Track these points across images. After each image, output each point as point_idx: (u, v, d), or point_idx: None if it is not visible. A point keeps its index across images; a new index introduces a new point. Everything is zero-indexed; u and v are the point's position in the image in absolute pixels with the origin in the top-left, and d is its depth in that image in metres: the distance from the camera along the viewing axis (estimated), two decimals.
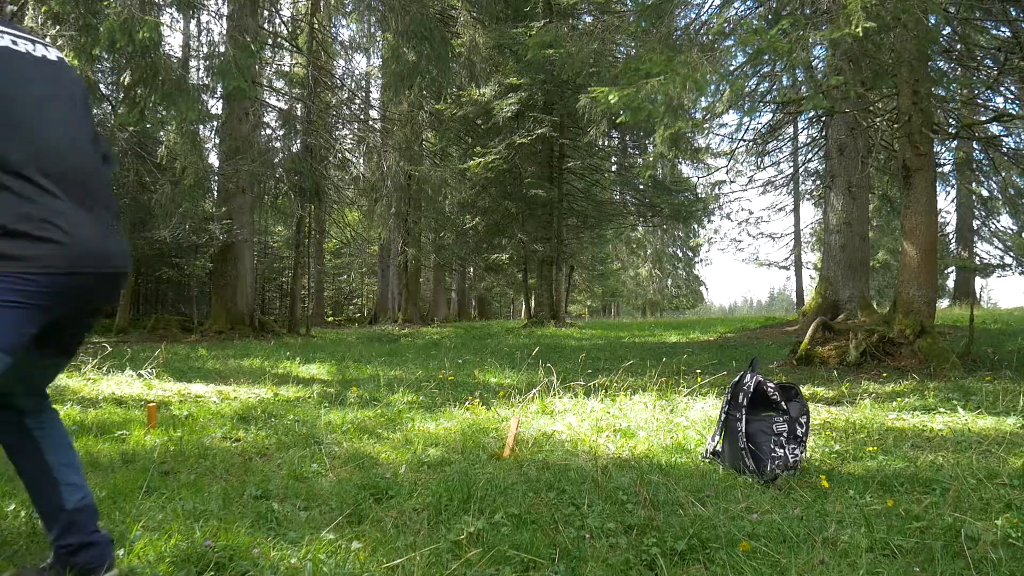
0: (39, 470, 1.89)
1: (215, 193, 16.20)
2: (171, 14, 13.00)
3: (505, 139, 17.80)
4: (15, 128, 1.68)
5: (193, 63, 15.01)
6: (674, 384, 5.28)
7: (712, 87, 6.63)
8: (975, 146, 13.10)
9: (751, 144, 16.65)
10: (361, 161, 19.08)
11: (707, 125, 11.69)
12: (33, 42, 1.84)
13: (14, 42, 1.78)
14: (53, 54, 1.89)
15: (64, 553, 1.84)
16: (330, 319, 29.20)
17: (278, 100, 19.37)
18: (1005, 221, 23.48)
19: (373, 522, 2.38)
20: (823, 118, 13.50)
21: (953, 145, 14.87)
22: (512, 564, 2.01)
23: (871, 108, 9.12)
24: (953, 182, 19.31)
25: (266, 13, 16.14)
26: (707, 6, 8.64)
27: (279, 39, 17.97)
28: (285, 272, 26.75)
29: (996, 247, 23.71)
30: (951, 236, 24.43)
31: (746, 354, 8.67)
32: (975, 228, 23.82)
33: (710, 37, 7.30)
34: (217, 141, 16.21)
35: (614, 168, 22.50)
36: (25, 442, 1.90)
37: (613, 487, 2.73)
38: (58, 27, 8.36)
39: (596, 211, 20.71)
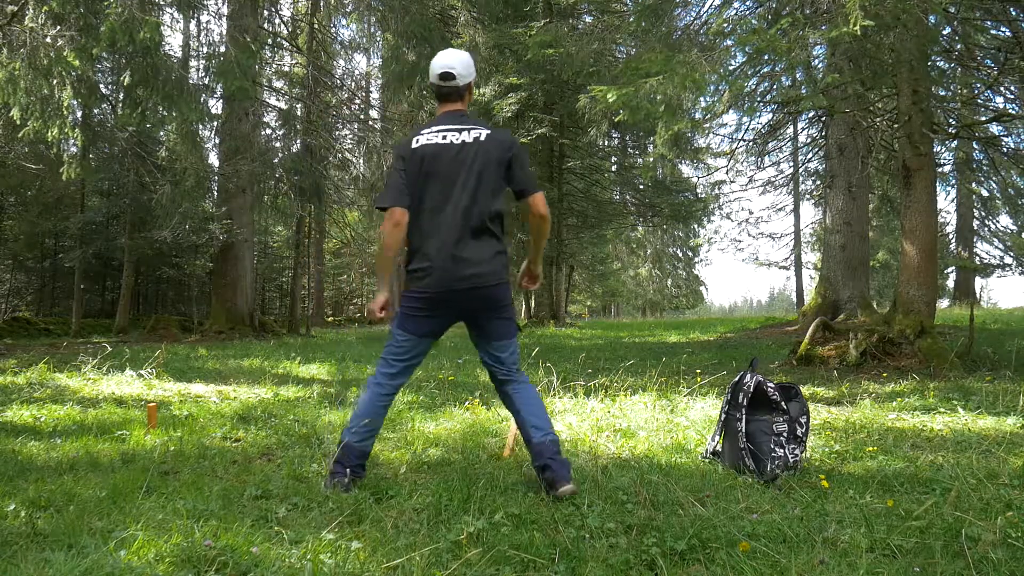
0: (516, 415, 2.92)
1: (215, 193, 16.20)
2: (171, 14, 12.99)
3: None
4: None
5: (193, 63, 15.00)
6: (674, 384, 5.27)
7: (712, 87, 6.64)
8: (975, 146, 13.10)
9: (751, 144, 16.63)
10: (361, 161, 19.07)
11: (707, 125, 11.70)
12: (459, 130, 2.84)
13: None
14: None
15: (537, 469, 2.76)
16: (330, 319, 29.21)
17: (278, 100, 19.38)
18: (1005, 221, 23.50)
19: (373, 522, 2.38)
20: (823, 118, 13.50)
21: (953, 145, 14.87)
22: (512, 564, 2.01)
23: (871, 108, 9.12)
24: (953, 182, 19.30)
25: (266, 13, 16.14)
26: (707, 6, 8.65)
27: (279, 39, 17.98)
28: (285, 272, 26.75)
29: (996, 247, 23.72)
30: (951, 236, 24.44)
31: (746, 354, 8.67)
32: (975, 228, 23.82)
33: (710, 37, 7.30)
34: (217, 141, 16.21)
35: (614, 168, 22.50)
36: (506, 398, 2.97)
37: (613, 487, 2.73)
38: (58, 27, 8.36)
39: (596, 211, 20.72)
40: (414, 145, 2.82)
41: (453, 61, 2.88)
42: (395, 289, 3.08)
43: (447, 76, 2.87)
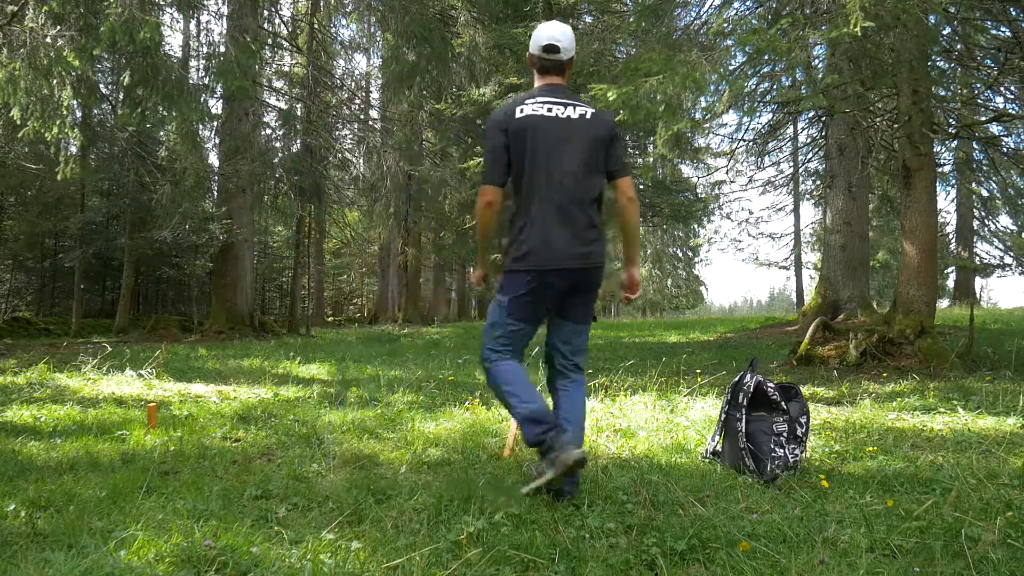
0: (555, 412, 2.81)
1: (215, 193, 16.21)
2: (171, 14, 13.00)
3: None
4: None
5: (193, 63, 15.00)
6: (674, 384, 5.28)
7: (712, 87, 6.64)
8: (975, 146, 13.10)
9: (751, 144, 16.65)
10: (361, 161, 19.09)
11: (707, 125, 11.71)
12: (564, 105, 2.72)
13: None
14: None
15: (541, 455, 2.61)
16: (330, 319, 29.21)
17: (278, 100, 19.38)
18: (1005, 221, 23.50)
19: (373, 522, 2.38)
20: (823, 118, 13.50)
21: (953, 145, 14.88)
22: (512, 564, 2.01)
23: (871, 108, 9.12)
24: (953, 182, 19.31)
25: (266, 13, 16.15)
26: (707, 6, 8.65)
27: (279, 39, 17.98)
28: (285, 272, 26.76)
29: (996, 247, 23.72)
30: (951, 236, 24.43)
31: (746, 354, 8.67)
32: (975, 228, 23.82)
33: (710, 37, 7.30)
34: (217, 141, 16.22)
35: None
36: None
37: (613, 487, 2.73)
38: (58, 27, 8.36)
39: None
40: (517, 115, 2.69)
41: (558, 34, 2.76)
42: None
43: (552, 49, 2.75)
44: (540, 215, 2.65)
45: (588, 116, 2.73)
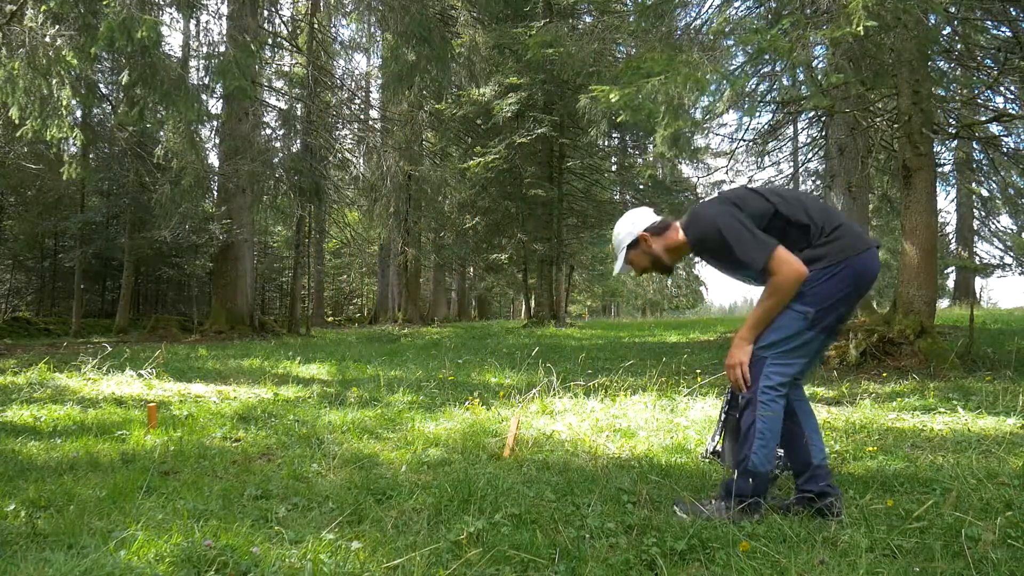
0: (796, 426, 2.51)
1: (215, 193, 16.22)
2: (171, 14, 12.99)
3: (505, 139, 17.81)
4: None
5: (193, 63, 15.01)
6: (674, 384, 5.27)
7: (712, 87, 6.64)
8: (975, 146, 13.09)
9: (751, 144, 16.63)
10: (361, 161, 19.09)
11: (707, 125, 11.70)
12: None
13: None
14: None
15: (806, 497, 2.44)
16: (330, 319, 29.22)
17: (278, 100, 19.39)
18: (1005, 221, 23.47)
19: (373, 522, 2.38)
20: (823, 118, 13.50)
21: (953, 145, 14.87)
22: (512, 564, 2.01)
23: (871, 108, 9.11)
24: (953, 182, 19.29)
25: (266, 13, 16.15)
26: (707, 6, 8.64)
27: (279, 39, 17.98)
28: (285, 272, 26.77)
29: (996, 247, 23.68)
30: (951, 236, 24.42)
31: None
32: (975, 228, 23.81)
33: (711, 37, 7.30)
34: (217, 141, 16.22)
35: (614, 168, 22.50)
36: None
37: (613, 487, 2.73)
38: (57, 27, 8.35)
39: (596, 211, 20.71)
40: None
41: None
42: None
43: None
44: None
45: None
